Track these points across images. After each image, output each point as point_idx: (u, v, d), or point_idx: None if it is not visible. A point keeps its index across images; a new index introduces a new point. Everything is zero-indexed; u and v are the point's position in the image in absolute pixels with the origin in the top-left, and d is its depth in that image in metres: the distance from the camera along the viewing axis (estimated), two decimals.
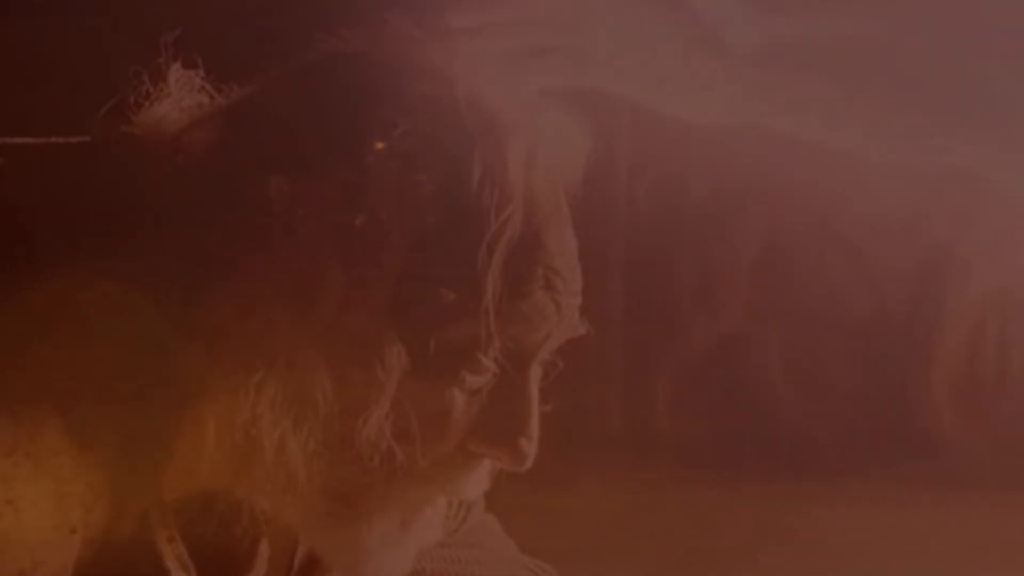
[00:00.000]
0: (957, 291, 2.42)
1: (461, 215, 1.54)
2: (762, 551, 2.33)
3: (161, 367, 1.52)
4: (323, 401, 1.52)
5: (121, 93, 1.63)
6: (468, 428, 1.58)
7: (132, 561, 1.57)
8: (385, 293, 1.53)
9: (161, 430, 1.54)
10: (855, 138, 2.25)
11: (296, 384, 1.51)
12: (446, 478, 1.59)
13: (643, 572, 2.27)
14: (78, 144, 1.65)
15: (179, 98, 1.63)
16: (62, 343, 1.52)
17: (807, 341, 2.38)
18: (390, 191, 1.54)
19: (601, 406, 2.29)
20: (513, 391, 1.58)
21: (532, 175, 1.57)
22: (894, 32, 2.23)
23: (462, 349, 1.54)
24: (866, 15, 2.23)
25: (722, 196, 2.29)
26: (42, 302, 1.53)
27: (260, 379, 1.51)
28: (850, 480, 2.38)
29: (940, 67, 2.23)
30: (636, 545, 2.27)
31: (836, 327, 2.38)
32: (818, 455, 2.38)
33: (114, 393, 1.52)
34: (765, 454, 2.38)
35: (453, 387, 1.56)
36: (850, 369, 2.41)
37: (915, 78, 2.23)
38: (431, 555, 1.75)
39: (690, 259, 2.29)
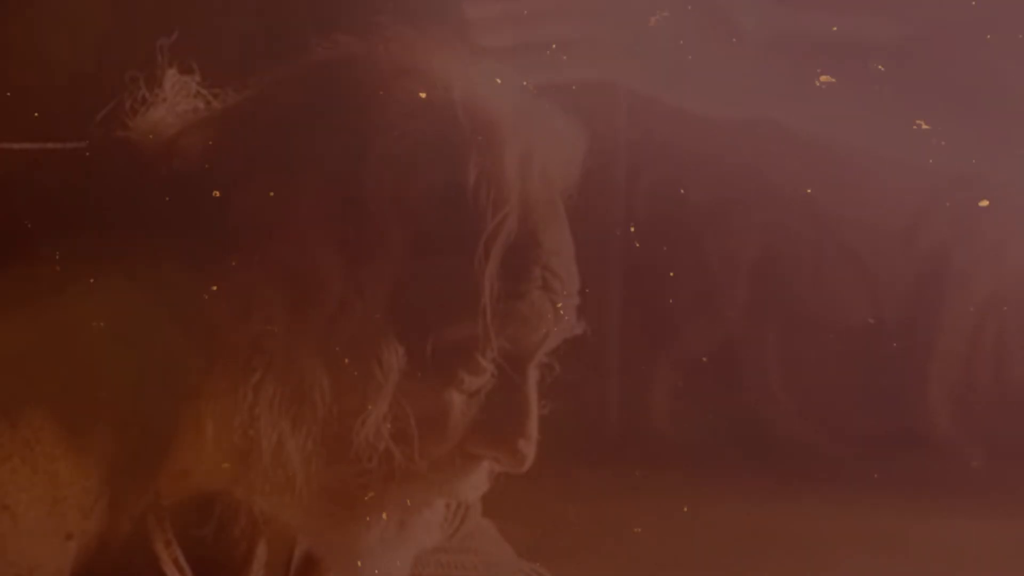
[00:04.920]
0: (955, 296, 2.42)
1: (458, 216, 1.54)
2: (760, 553, 2.33)
3: (159, 370, 1.52)
4: (321, 402, 1.52)
5: (117, 98, 1.63)
6: (467, 429, 1.57)
7: (129, 566, 1.56)
8: (383, 294, 1.53)
9: (158, 433, 1.54)
10: (860, 134, 2.25)
11: (294, 385, 1.51)
12: (444, 479, 1.59)
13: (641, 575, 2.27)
14: (75, 149, 1.65)
15: (175, 103, 1.64)
16: (60, 348, 1.52)
17: (805, 345, 2.38)
18: (387, 193, 1.54)
19: (599, 409, 2.29)
20: (511, 392, 1.58)
21: (528, 176, 1.57)
22: (904, 30, 2.23)
23: (460, 350, 1.54)
24: (876, 13, 2.23)
25: (721, 199, 2.29)
26: (40, 308, 1.53)
27: (258, 380, 1.51)
28: (847, 484, 2.38)
29: (949, 67, 2.23)
30: (634, 548, 2.27)
31: (834, 331, 2.38)
32: (815, 459, 2.38)
33: (111, 398, 1.52)
34: (763, 457, 2.38)
35: (451, 388, 1.56)
36: (848, 373, 2.41)
37: (923, 77, 2.23)
38: (427, 560, 1.75)
39: (688, 262, 2.29)
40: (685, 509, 2.30)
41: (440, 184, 1.55)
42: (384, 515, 1.58)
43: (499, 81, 1.63)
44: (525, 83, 1.67)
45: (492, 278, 1.54)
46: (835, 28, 2.25)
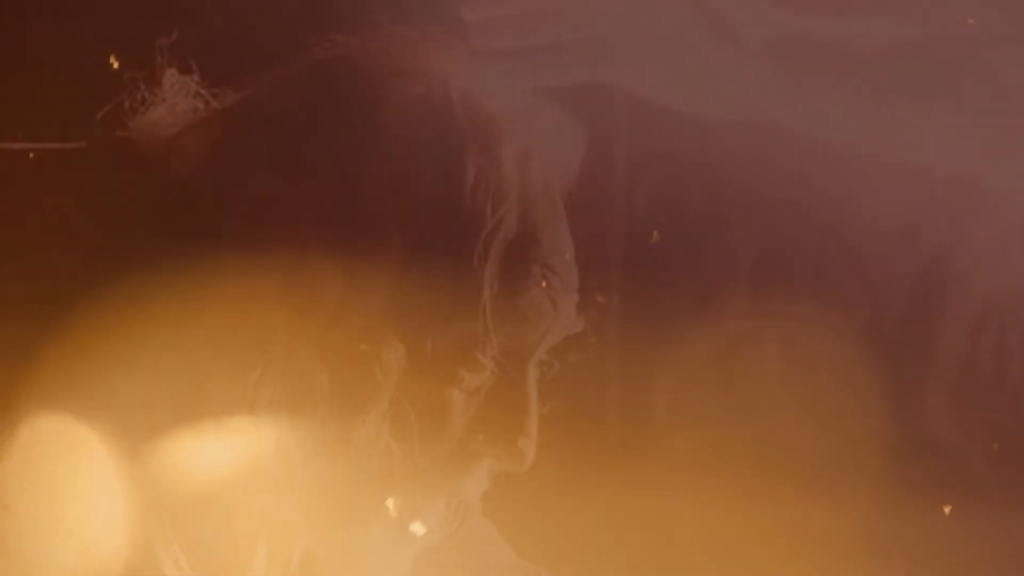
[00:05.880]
0: (956, 296, 2.42)
1: (457, 215, 1.55)
2: (760, 554, 2.33)
3: (158, 368, 1.53)
4: (321, 400, 1.52)
5: (117, 98, 1.63)
6: (467, 427, 1.58)
7: (129, 566, 1.57)
8: (383, 294, 1.53)
9: (158, 432, 1.54)
10: (860, 135, 2.26)
11: (294, 383, 1.52)
12: (445, 477, 1.59)
13: None
14: (75, 149, 1.66)
15: (174, 103, 1.64)
16: (59, 347, 1.52)
17: (805, 346, 2.38)
18: (386, 192, 1.54)
19: (599, 408, 2.29)
20: (511, 390, 1.58)
21: (526, 174, 1.58)
22: (903, 32, 2.24)
23: (460, 348, 1.55)
24: (875, 14, 2.24)
25: (721, 199, 2.29)
26: (40, 307, 1.53)
27: (258, 378, 1.51)
28: (848, 485, 2.38)
29: (949, 67, 2.24)
30: (635, 550, 2.27)
31: (834, 332, 2.38)
32: (815, 458, 2.38)
33: (111, 397, 1.52)
34: (763, 457, 2.37)
35: (451, 386, 1.56)
36: (848, 374, 2.41)
37: (923, 77, 2.24)
38: (428, 560, 1.75)
39: (689, 262, 2.29)
40: (686, 509, 2.30)
41: (439, 183, 1.55)
42: (384, 513, 1.58)
43: (497, 81, 1.64)
44: (523, 84, 1.67)
45: (492, 276, 1.54)
46: (835, 29, 2.25)
